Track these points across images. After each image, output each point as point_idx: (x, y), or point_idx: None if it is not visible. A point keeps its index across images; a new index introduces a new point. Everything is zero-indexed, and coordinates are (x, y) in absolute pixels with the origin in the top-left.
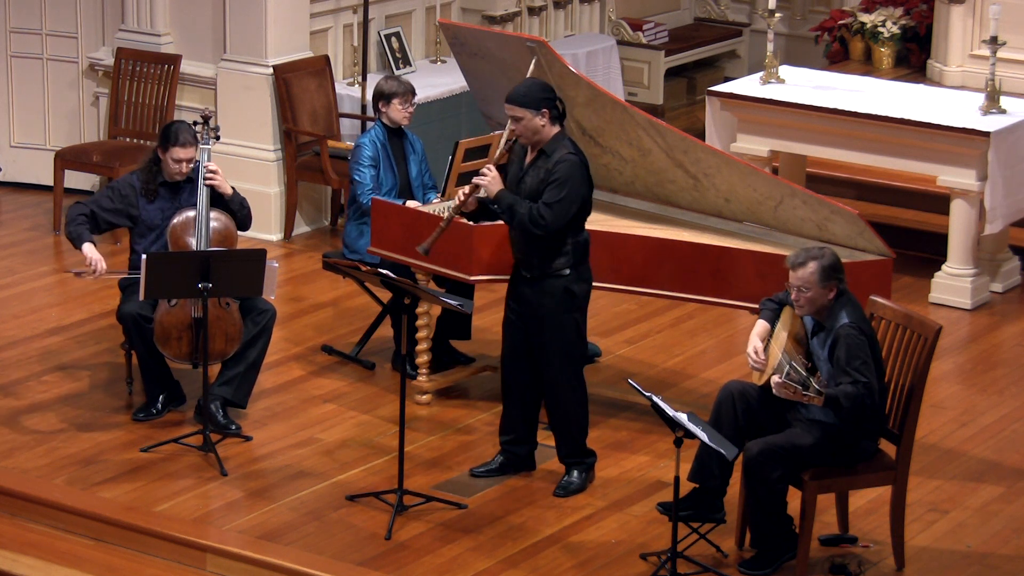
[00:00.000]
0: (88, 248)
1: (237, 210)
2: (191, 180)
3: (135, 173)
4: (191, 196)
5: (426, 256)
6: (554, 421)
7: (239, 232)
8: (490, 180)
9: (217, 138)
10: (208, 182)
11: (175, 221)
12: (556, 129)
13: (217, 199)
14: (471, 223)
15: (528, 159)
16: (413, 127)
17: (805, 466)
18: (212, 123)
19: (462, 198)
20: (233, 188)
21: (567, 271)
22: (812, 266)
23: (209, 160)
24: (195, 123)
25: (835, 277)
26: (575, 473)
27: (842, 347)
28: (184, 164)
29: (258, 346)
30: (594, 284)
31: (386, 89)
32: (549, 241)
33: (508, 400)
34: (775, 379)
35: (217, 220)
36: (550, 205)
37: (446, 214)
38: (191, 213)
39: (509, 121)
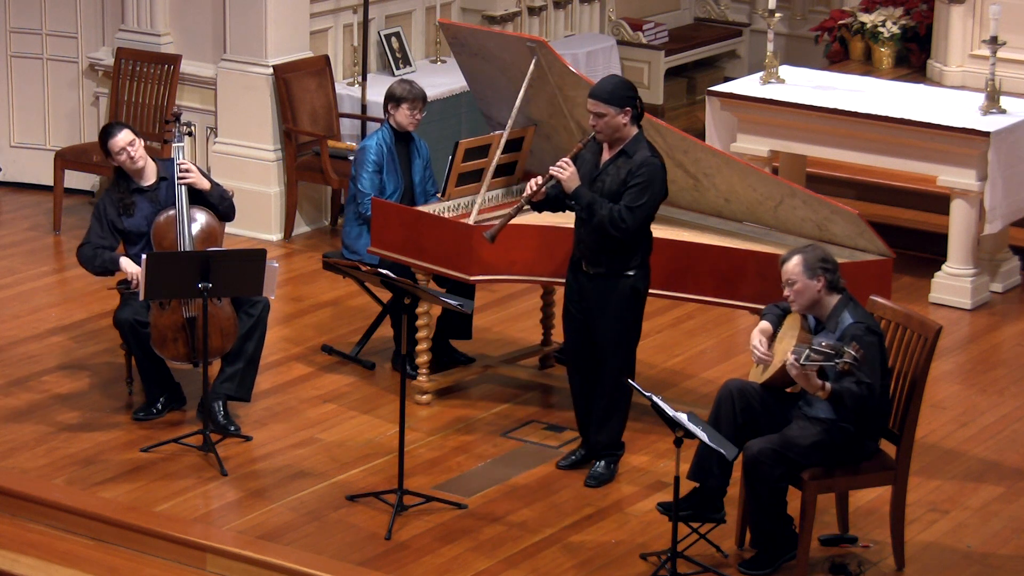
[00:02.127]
0: (125, 262)
1: (218, 203)
2: (165, 179)
3: (106, 195)
4: (169, 194)
5: (492, 243)
6: (600, 411)
7: (224, 222)
8: (569, 175)
9: (190, 134)
10: (183, 182)
11: (158, 220)
12: (635, 129)
13: (198, 196)
14: (467, 222)
15: (605, 157)
16: None
17: (806, 465)
18: (182, 120)
19: (534, 187)
20: (212, 181)
21: (634, 271)
22: (796, 259)
23: (183, 159)
24: (166, 122)
25: (821, 267)
26: (603, 464)
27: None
28: (129, 149)
29: (254, 339)
30: None
31: (397, 92)
32: (619, 242)
33: (577, 393)
34: (791, 359)
35: (199, 218)
36: (632, 209)
37: (522, 194)
38: (173, 212)
39: (591, 117)
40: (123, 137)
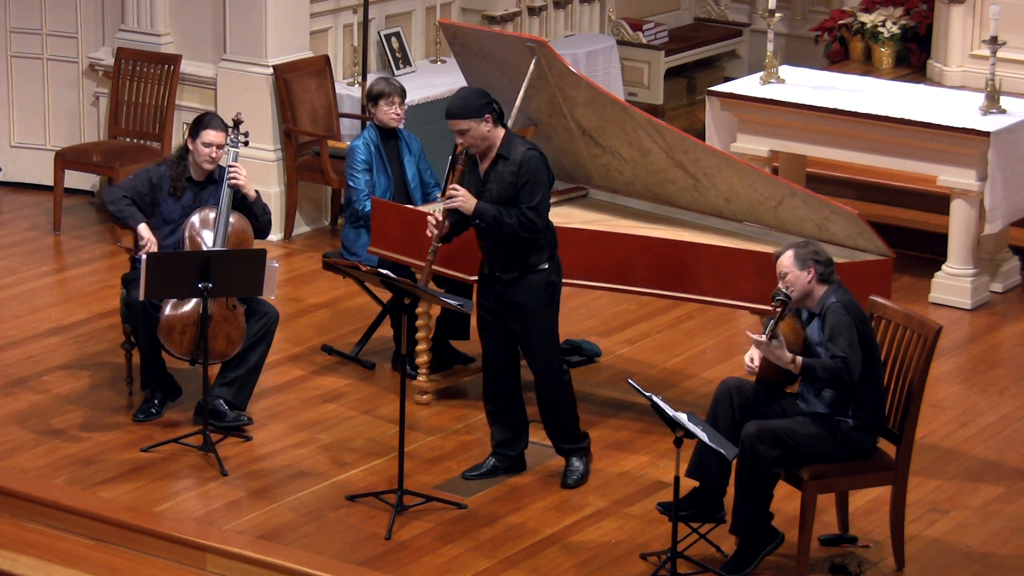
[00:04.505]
0: (144, 228)
1: (260, 215)
2: (215, 181)
3: (164, 165)
4: (214, 196)
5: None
6: (545, 411)
7: (258, 239)
8: (462, 198)
9: (246, 143)
10: (232, 181)
11: (193, 219)
12: (502, 131)
13: (241, 204)
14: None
15: (484, 166)
16: (413, 127)
17: (800, 454)
18: (242, 128)
19: (436, 226)
20: (257, 193)
21: (546, 264)
22: (789, 252)
23: (235, 161)
24: (225, 126)
25: (812, 260)
26: (574, 460)
27: (827, 324)
28: (214, 148)
29: (260, 349)
30: (594, 284)
31: (373, 90)
32: (525, 243)
33: (495, 402)
34: (755, 339)
35: (235, 222)
36: (534, 208)
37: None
38: (211, 213)
39: (455, 136)
40: (219, 136)
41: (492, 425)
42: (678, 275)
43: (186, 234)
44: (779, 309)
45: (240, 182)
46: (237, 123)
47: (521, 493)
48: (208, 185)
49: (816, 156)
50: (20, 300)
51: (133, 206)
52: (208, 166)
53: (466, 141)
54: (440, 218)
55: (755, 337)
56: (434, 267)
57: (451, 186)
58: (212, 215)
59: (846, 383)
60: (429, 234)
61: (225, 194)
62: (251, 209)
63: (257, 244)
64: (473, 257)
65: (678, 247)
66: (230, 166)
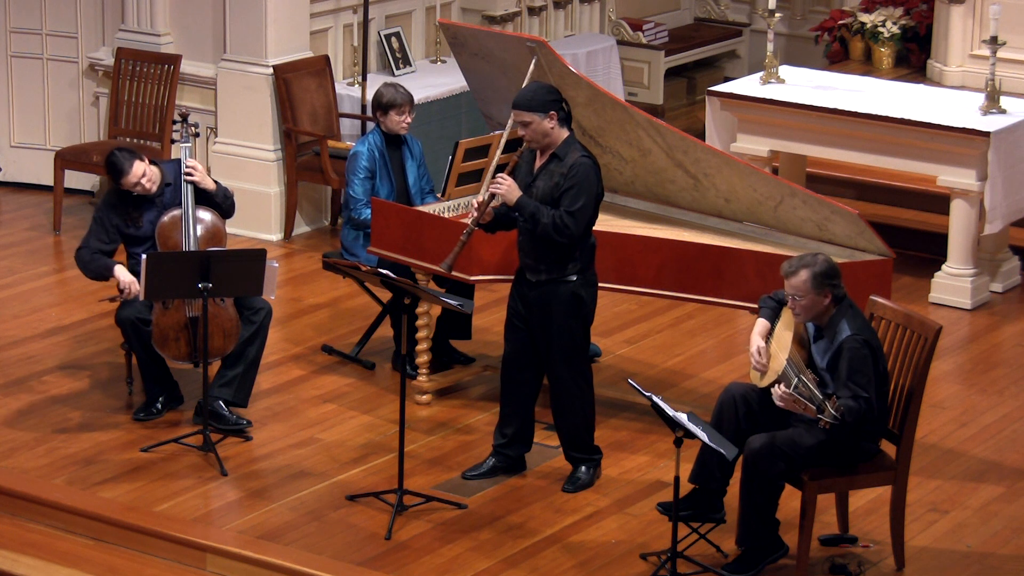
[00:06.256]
0: (120, 270)
1: (222, 201)
2: (170, 184)
3: (108, 197)
4: (174, 196)
5: (450, 273)
6: (560, 420)
7: (226, 219)
8: (507, 188)
9: (196, 135)
10: (188, 179)
11: (163, 220)
12: (565, 132)
13: (202, 195)
14: (467, 223)
15: (538, 163)
16: (413, 127)
17: (806, 465)
18: (190, 120)
19: (478, 208)
20: (216, 181)
21: (575, 276)
22: (804, 274)
23: (189, 157)
24: (173, 122)
25: (828, 283)
26: (583, 468)
27: (845, 360)
28: (146, 180)
29: (255, 345)
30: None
31: (384, 99)
32: (560, 248)
33: (508, 403)
34: (780, 390)
35: (204, 218)
36: (573, 213)
37: (471, 215)
38: (177, 212)
39: (518, 127)
40: (136, 172)
41: (500, 425)
42: (678, 275)
43: (158, 238)
44: (817, 417)
45: (196, 178)
46: (184, 117)
47: (521, 493)
48: (164, 188)
49: (816, 156)
50: (20, 300)
51: (102, 256)
52: (154, 188)
53: (527, 134)
54: (483, 201)
55: (781, 392)
56: (434, 267)
57: (500, 175)
58: (178, 213)
59: (867, 421)
60: (471, 215)
61: (186, 193)
62: (212, 199)
63: (255, 243)
64: (473, 257)
65: (678, 247)
66: (185, 163)
